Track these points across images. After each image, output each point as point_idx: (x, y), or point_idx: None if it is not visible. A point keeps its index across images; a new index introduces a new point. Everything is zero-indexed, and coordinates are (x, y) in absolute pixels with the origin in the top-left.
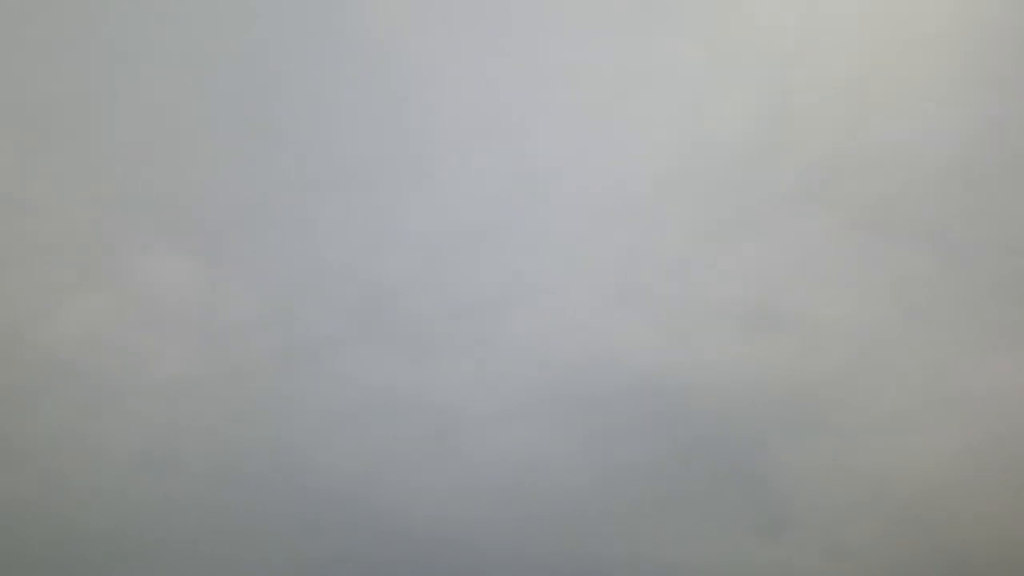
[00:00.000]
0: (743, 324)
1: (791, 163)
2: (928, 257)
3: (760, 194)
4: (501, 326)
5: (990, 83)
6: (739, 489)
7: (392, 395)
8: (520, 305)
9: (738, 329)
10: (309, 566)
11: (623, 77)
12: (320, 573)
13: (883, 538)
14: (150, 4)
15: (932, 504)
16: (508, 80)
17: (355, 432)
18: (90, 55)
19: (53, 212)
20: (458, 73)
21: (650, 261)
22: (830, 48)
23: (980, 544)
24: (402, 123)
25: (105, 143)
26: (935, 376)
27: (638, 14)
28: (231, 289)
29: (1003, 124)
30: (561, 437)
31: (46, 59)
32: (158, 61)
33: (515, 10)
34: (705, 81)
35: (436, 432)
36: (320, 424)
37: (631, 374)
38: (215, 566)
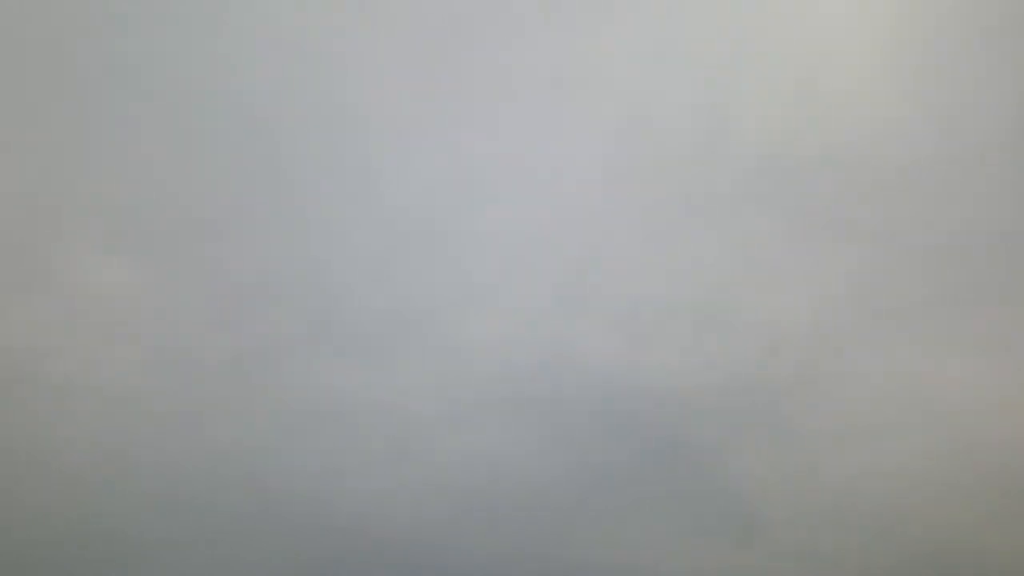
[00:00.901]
0: (701, 327)
1: (740, 164)
2: (887, 260)
3: (711, 195)
4: (454, 329)
5: (941, 83)
6: (707, 494)
7: (346, 399)
8: (472, 308)
9: (696, 332)
10: (265, 569)
11: (571, 77)
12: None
13: (857, 544)
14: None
15: (904, 509)
16: (451, 81)
17: (310, 436)
18: (31, 59)
19: None
20: (400, 74)
21: (602, 263)
22: (777, 48)
23: (953, 549)
24: (347, 127)
25: (51, 148)
26: (898, 381)
27: (583, 13)
28: (181, 294)
29: (957, 125)
30: (520, 441)
31: None
32: (101, 64)
33: (456, 10)
34: (650, 82)
35: (391, 436)
36: (275, 429)
37: (590, 377)
38: (172, 571)
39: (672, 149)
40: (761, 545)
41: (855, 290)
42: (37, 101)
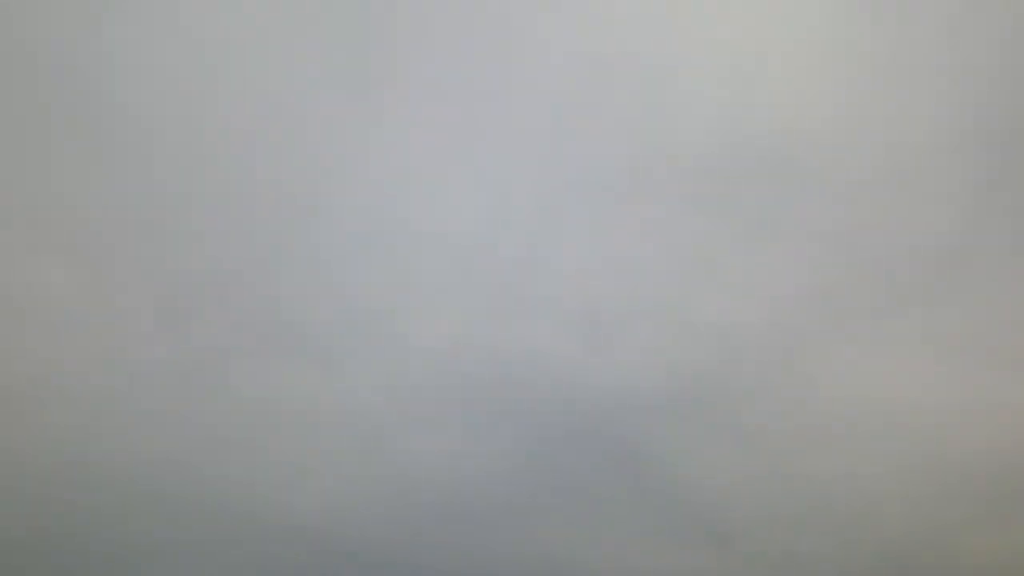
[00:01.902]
0: (657, 333)
1: (687, 168)
2: (842, 264)
3: (660, 199)
4: (406, 331)
5: (889, 91)
6: (669, 497)
7: (301, 403)
8: (424, 310)
9: (655, 335)
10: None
11: (517, 81)
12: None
13: (824, 547)
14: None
15: (873, 512)
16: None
17: (255, 439)
18: None
19: None
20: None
21: (548, 268)
22: (720, 54)
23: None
24: (289, 132)
25: None
26: (858, 384)
27: (519, 19)
28: (126, 299)
29: (905, 132)
30: (479, 443)
31: None
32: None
33: (392, 13)
34: (595, 86)
35: (348, 439)
36: (220, 431)
37: (548, 379)
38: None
39: (619, 152)
40: (724, 548)
41: (812, 296)
42: None
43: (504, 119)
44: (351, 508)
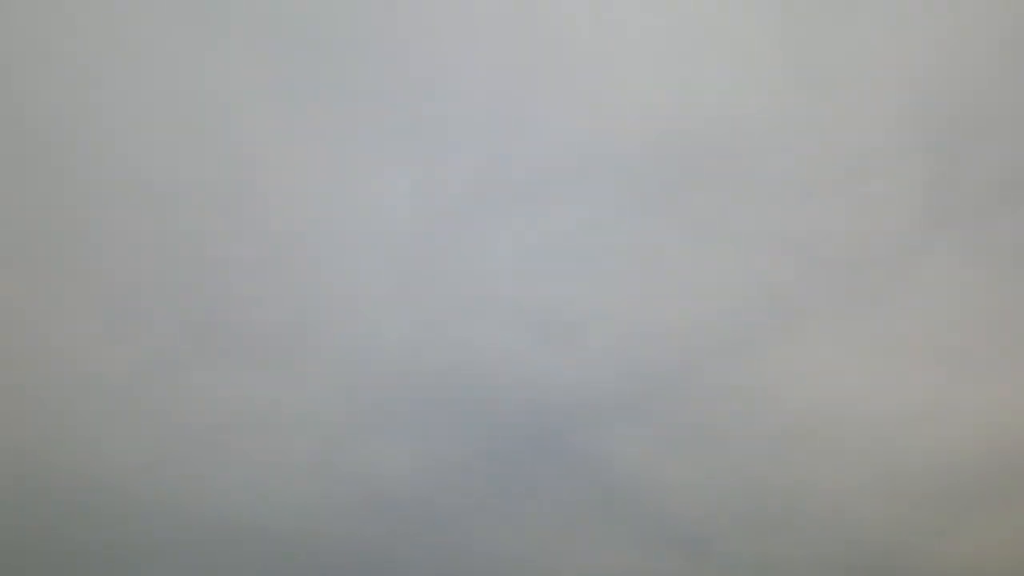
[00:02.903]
0: (616, 334)
1: (632, 172)
2: (792, 266)
3: (607, 203)
4: (354, 334)
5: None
6: (640, 502)
7: (245, 408)
8: (373, 315)
9: (611, 339)
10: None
11: (429, 88)
12: None
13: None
14: None
15: (840, 515)
16: (327, 90)
17: (210, 444)
18: None
19: None
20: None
21: (493, 269)
22: (659, 54)
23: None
24: (219, 135)
25: None
26: (817, 387)
27: (433, 31)
28: (72, 304)
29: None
30: (436, 448)
31: None
32: None
33: (305, 20)
34: (526, 91)
35: (298, 442)
36: (175, 437)
37: (503, 384)
38: None
39: (562, 153)
40: (692, 552)
41: (767, 296)
42: None
43: (441, 119)
44: (311, 511)
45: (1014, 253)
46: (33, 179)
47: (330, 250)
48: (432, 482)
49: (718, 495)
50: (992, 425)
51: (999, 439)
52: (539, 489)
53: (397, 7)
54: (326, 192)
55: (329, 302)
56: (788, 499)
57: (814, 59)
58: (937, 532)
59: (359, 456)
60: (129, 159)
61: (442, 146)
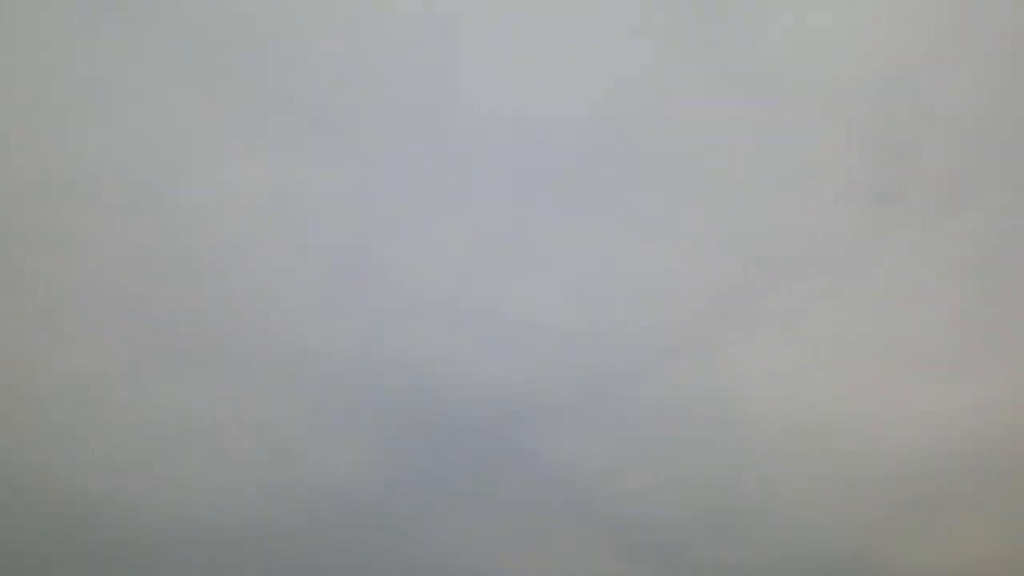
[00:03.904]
0: (562, 335)
1: (570, 174)
2: (741, 267)
3: (541, 203)
4: (303, 335)
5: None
6: (590, 509)
7: (200, 418)
8: (316, 321)
9: (557, 340)
10: None
11: (360, 89)
12: None
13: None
14: None
15: (801, 521)
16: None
17: (157, 452)
18: None
19: None
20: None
21: (439, 271)
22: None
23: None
24: (163, 137)
25: None
26: (768, 387)
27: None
28: (21, 313)
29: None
30: (377, 452)
31: None
32: None
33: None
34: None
35: (247, 450)
36: (122, 446)
37: (451, 387)
38: None
39: (491, 154)
40: (643, 559)
41: (716, 297)
42: None
43: (375, 122)
44: (262, 518)
45: (973, 254)
46: None
47: (274, 258)
48: (384, 487)
49: (677, 499)
50: (955, 427)
51: (964, 442)
52: (493, 494)
53: (321, 26)
54: (265, 200)
55: (276, 310)
56: (751, 504)
57: (746, 55)
58: (906, 536)
59: (310, 461)
60: (77, 159)
61: (377, 148)
